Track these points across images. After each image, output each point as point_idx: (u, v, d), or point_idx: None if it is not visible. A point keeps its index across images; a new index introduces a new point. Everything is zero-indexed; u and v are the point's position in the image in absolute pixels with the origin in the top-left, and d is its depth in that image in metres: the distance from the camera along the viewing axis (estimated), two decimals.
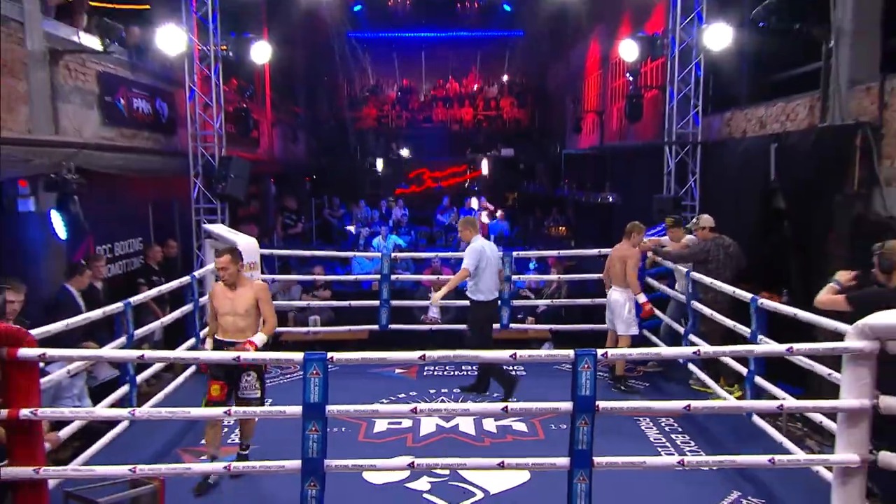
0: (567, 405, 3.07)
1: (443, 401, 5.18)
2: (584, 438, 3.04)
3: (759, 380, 4.19)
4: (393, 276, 6.47)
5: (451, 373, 5.85)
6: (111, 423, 4.18)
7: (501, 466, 3.32)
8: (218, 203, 7.38)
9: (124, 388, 4.37)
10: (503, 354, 3.24)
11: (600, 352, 3.11)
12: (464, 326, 6.52)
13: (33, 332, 3.24)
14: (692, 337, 5.26)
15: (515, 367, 5.88)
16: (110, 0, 7.00)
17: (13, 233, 5.01)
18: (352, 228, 11.75)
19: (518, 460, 3.45)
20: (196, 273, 5.74)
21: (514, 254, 6.69)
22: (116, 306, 4.37)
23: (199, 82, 7.33)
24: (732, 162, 6.66)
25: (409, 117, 15.62)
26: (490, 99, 16.05)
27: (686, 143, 7.44)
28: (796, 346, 3.29)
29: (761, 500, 3.64)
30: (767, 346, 4.05)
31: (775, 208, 5.71)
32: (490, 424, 4.63)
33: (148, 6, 7.41)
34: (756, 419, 4.22)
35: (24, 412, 2.94)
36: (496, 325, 6.20)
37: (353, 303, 6.70)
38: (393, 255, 7.07)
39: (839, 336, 3.19)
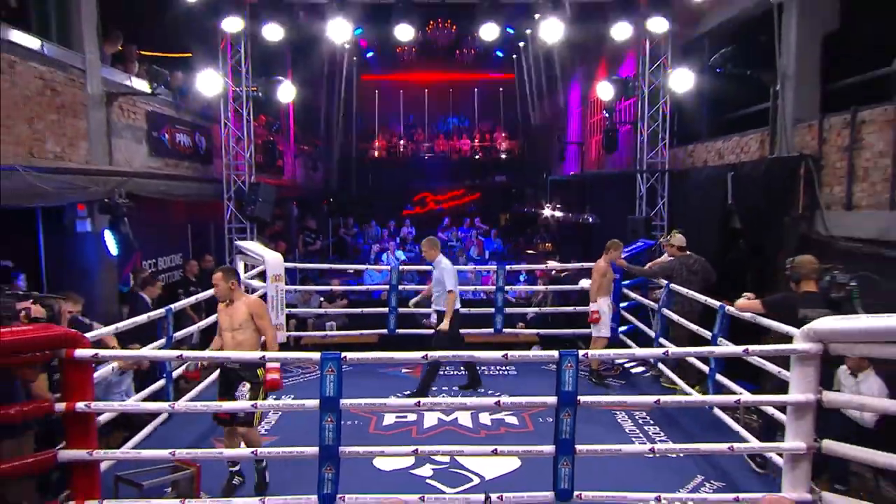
0: (552, 400, 3.10)
1: (443, 397, 5.18)
2: (567, 429, 3.07)
3: (719, 377, 4.20)
4: (399, 287, 6.50)
5: (451, 372, 5.85)
6: (154, 415, 4.21)
7: (495, 454, 3.35)
8: (247, 223, 7.47)
9: (162, 382, 4.39)
10: (496, 355, 3.28)
11: (581, 353, 3.15)
12: (462, 331, 6.58)
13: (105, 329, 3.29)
14: (662, 340, 5.28)
15: (507, 367, 5.91)
16: (158, 49, 7.18)
17: (73, 250, 5.10)
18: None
19: (510, 448, 3.51)
20: None
21: (507, 267, 6.71)
22: (159, 312, 4.43)
23: (233, 118, 7.47)
24: (695, 188, 6.74)
25: (414, 148, 15.84)
26: (485, 132, 16.34)
27: (655, 171, 7.55)
28: (751, 347, 3.35)
29: (721, 483, 3.64)
30: (726, 347, 4.07)
31: (732, 228, 5.77)
32: (485, 418, 4.63)
33: (190, 54, 7.57)
34: (717, 412, 4.23)
35: (80, 405, 2.99)
36: (489, 330, 6.26)
37: (365, 310, 6.70)
38: (400, 267, 7.12)
39: (789, 339, 3.22)
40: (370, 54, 12.32)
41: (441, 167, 15.44)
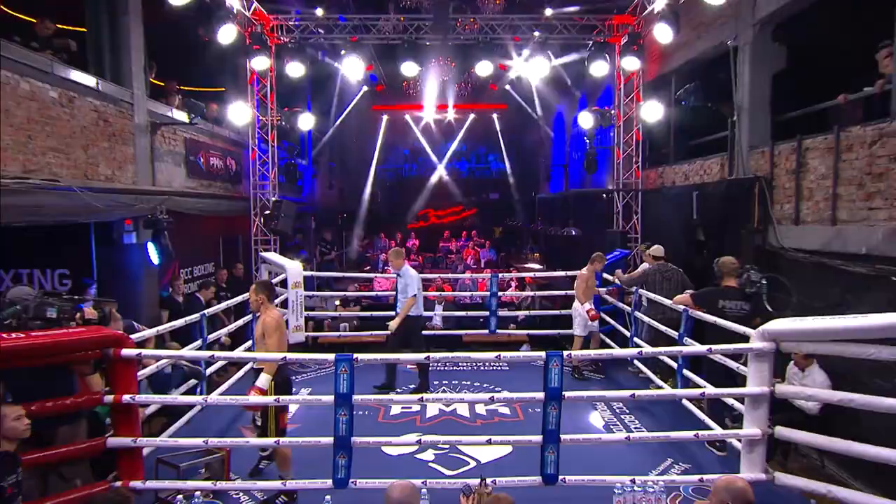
0: (540, 394, 3.12)
1: (444, 391, 5.19)
2: (553, 420, 3.10)
3: (686, 372, 4.23)
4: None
5: (450, 368, 5.86)
6: (190, 406, 4.23)
7: (489, 442, 3.39)
8: (271, 236, 7.55)
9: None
10: (490, 355, 3.32)
11: (565, 353, 3.20)
12: (461, 332, 6.61)
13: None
14: (636, 339, 5.30)
15: (501, 364, 5.92)
16: (196, 84, 7.32)
17: (120, 259, 5.17)
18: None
19: (502, 437, 3.54)
20: None
21: (500, 275, 6.76)
22: (194, 317, 4.46)
23: (259, 144, 7.58)
24: (665, 204, 6.82)
25: (419, 169, 15.98)
26: (480, 156, 16.52)
27: (630, 190, 7.63)
28: (714, 346, 3.41)
29: (688, 465, 3.67)
30: (693, 346, 4.11)
31: (697, 240, 5.83)
32: (481, 409, 4.64)
33: (223, 89, 7.72)
34: (685, 403, 4.26)
35: (126, 397, 3.04)
36: (484, 331, 6.29)
37: (374, 313, 6.74)
38: None
39: (746, 339, 3.28)
40: (380, 87, 12.51)
41: (441, 187, 15.61)
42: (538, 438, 3.15)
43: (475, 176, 16.10)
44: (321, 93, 11.07)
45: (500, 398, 3.99)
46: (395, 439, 3.51)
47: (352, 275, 8.64)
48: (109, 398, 3.02)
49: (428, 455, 3.79)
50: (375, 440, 3.35)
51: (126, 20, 5.24)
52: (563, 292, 6.27)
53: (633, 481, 2.79)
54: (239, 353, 5.05)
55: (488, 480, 2.42)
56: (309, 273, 7.06)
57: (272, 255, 6.61)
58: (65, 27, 4.90)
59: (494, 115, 15.05)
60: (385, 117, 14.95)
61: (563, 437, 3.13)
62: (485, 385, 5.32)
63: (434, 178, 15.48)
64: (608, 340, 6.06)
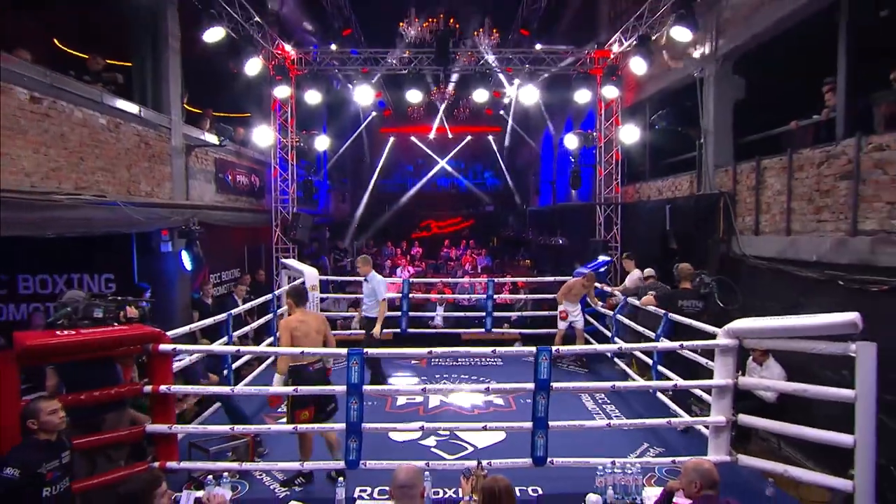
0: (530, 386, 3.16)
1: (444, 383, 5.22)
2: (542, 409, 3.13)
3: (660, 367, 4.26)
4: (410, 295, 6.58)
5: (450, 363, 5.89)
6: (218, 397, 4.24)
7: (485, 429, 3.46)
8: (290, 245, 7.63)
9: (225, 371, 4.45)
10: (486, 350, 3.35)
11: (553, 348, 3.25)
12: (460, 330, 6.66)
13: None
14: (616, 338, 5.36)
15: (496, 359, 5.96)
16: (225, 110, 7.46)
17: (158, 266, 5.24)
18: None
19: (497, 424, 3.57)
20: (275, 292, 5.82)
21: (495, 280, 6.81)
22: (222, 316, 4.51)
23: (280, 163, 7.69)
24: (641, 216, 6.90)
25: (422, 184, 16.13)
26: (477, 173, 16.69)
27: (611, 203, 7.71)
28: (686, 343, 3.48)
29: (662, 449, 3.70)
30: (666, 343, 4.13)
31: (670, 248, 5.88)
32: (478, 400, 4.66)
33: (249, 114, 7.85)
34: (659, 394, 4.30)
35: (163, 388, 3.09)
36: (481, 330, 6.33)
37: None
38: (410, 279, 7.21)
39: (713, 336, 3.34)
40: (388, 112, 12.73)
41: (442, 200, 15.76)
42: (529, 425, 3.18)
43: (472, 191, 16.29)
44: (336, 117, 11.25)
45: (495, 388, 4.02)
46: (400, 426, 3.56)
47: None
48: (148, 388, 3.07)
49: (430, 441, 3.82)
50: (383, 426, 3.39)
51: (166, 55, 5.37)
52: (552, 295, 6.32)
53: (613, 463, 2.84)
54: (261, 348, 5.09)
55: (484, 463, 2.47)
56: (324, 277, 7.13)
57: (292, 262, 6.66)
58: (113, 62, 5.03)
59: (490, 137, 15.26)
60: (392, 139, 15.14)
61: (551, 423, 3.16)
62: (481, 378, 5.30)
63: (435, 193, 15.66)
64: (591, 340, 6.11)
